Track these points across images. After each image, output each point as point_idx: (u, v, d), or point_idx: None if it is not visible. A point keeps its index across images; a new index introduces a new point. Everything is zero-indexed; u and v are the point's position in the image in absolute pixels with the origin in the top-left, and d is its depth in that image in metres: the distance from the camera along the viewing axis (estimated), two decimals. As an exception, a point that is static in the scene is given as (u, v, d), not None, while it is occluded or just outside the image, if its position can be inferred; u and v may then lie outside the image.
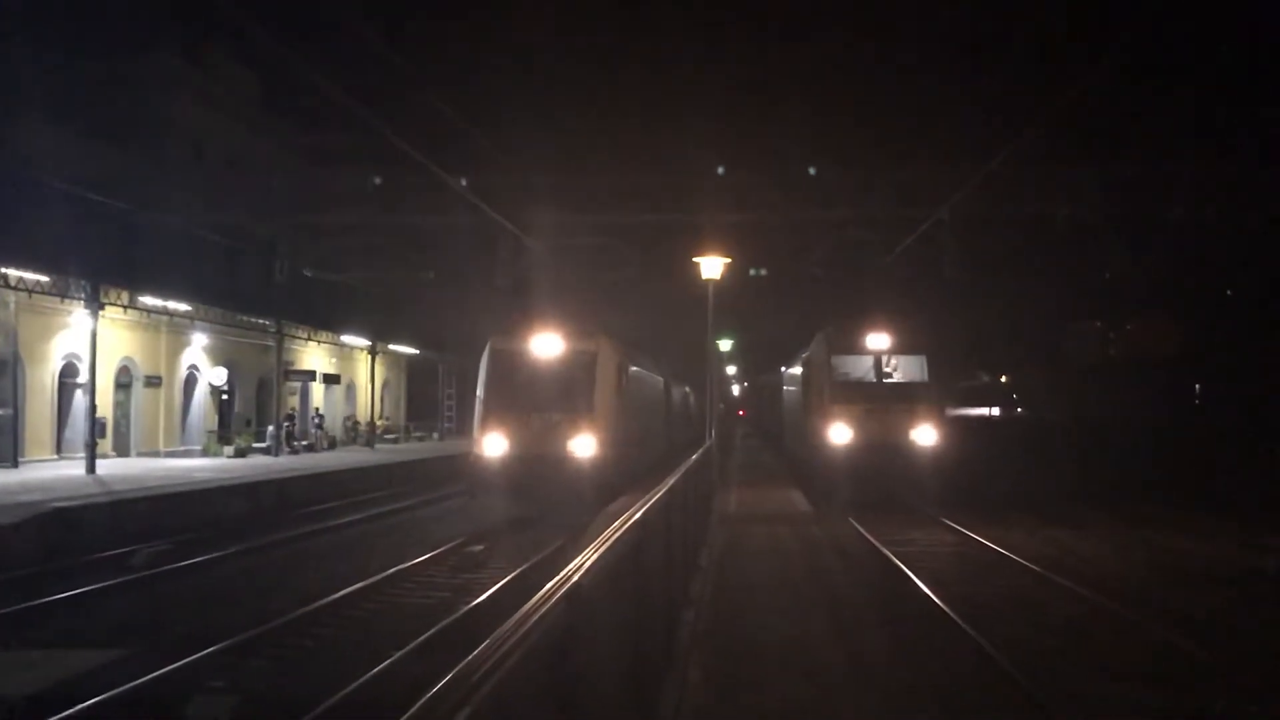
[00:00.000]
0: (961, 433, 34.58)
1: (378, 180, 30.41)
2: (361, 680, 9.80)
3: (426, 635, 11.58)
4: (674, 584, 8.77)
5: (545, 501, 20.95)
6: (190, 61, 38.40)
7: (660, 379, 33.06)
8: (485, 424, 21.54)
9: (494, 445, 21.21)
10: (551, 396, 21.40)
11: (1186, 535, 18.39)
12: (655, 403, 31.51)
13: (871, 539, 17.24)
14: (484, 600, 13.64)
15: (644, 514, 5.93)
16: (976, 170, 22.20)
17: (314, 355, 44.65)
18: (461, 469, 25.03)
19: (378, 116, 19.27)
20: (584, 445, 21.06)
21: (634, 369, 25.87)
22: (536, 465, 20.82)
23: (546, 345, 21.86)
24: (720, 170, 29.65)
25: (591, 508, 19.52)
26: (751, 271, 33.40)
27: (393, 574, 15.68)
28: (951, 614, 11.01)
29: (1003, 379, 64.04)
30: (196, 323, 35.06)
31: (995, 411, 58.81)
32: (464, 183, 25.72)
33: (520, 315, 23.27)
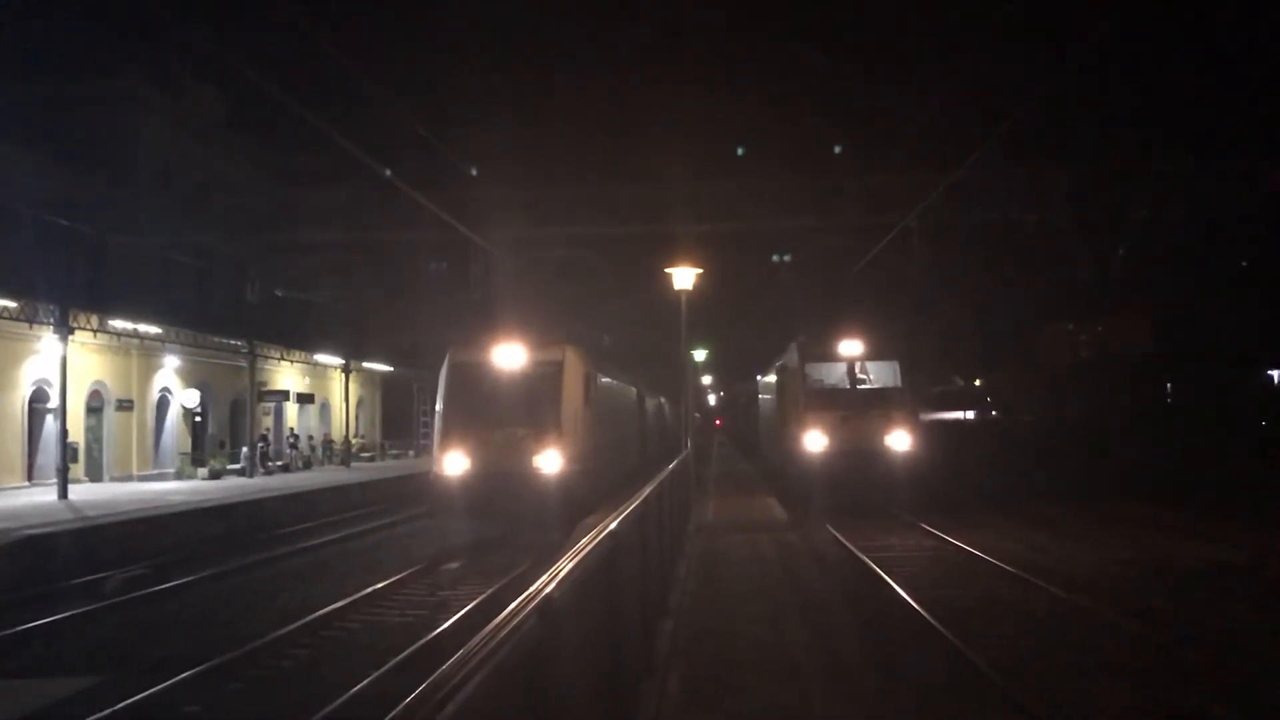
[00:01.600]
0: (936, 437, 34.78)
1: (343, 200, 30.34)
2: (340, 700, 9.76)
3: (405, 653, 11.54)
4: (651, 594, 8.78)
5: (510, 521, 20.01)
6: (158, 84, 38.20)
7: (633, 389, 32.25)
8: (445, 441, 20.38)
9: (454, 463, 20.05)
10: (514, 410, 20.31)
11: (1158, 532, 18.61)
12: (627, 414, 30.64)
13: (849, 545, 17.31)
14: (461, 617, 13.59)
15: (616, 526, 5.94)
16: (943, 177, 22.39)
17: (287, 375, 44.39)
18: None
19: (346, 135, 19.26)
20: (550, 461, 19.94)
21: (603, 379, 24.84)
22: (500, 483, 19.64)
23: (509, 356, 20.85)
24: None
25: (560, 525, 18.95)
26: (776, 257, 33.14)
27: (370, 593, 15.59)
28: (928, 617, 11.07)
29: (976, 382, 64.40)
30: (168, 345, 34.80)
31: (970, 415, 59.14)
32: (433, 200, 25.62)
33: (481, 325, 22.45)
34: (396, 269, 38.26)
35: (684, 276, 21.68)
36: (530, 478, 19.77)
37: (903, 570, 14.82)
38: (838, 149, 29.38)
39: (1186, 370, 36.54)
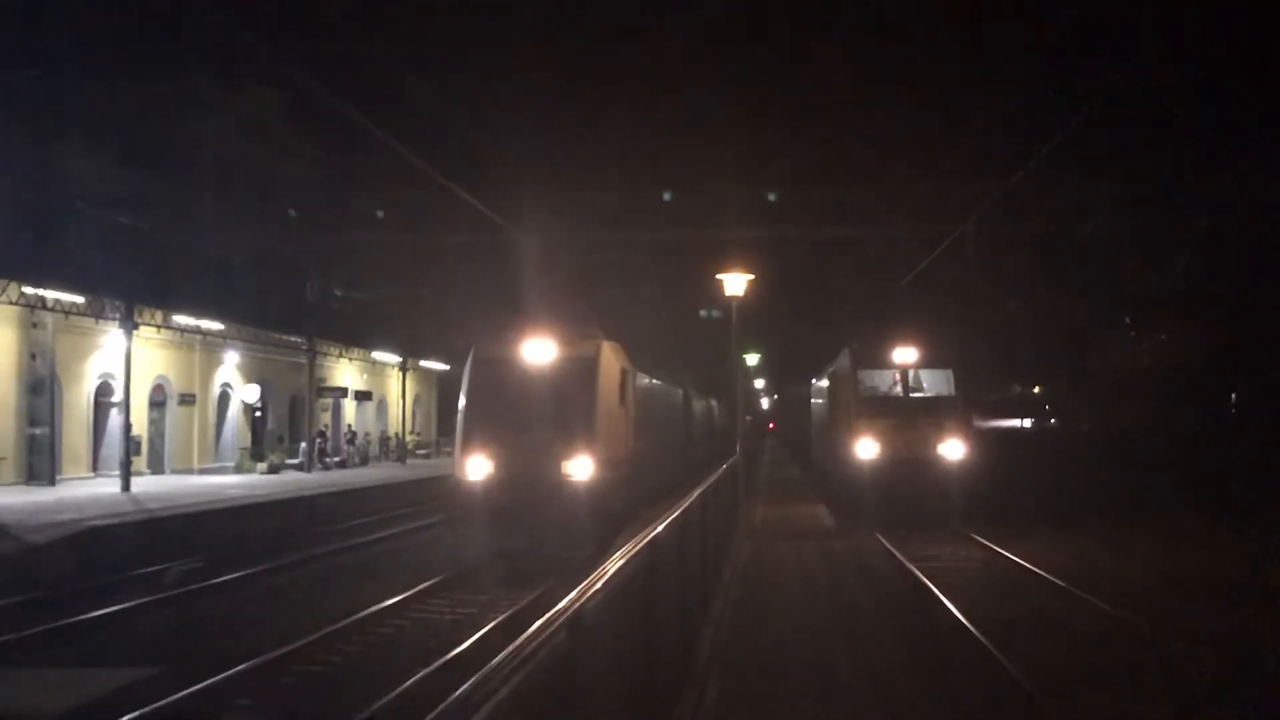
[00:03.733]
0: (992, 446, 34.38)
1: (380, 213, 30.72)
2: (387, 699, 9.92)
3: (454, 652, 11.68)
4: (691, 603, 8.85)
5: (534, 535, 17.77)
6: (221, 84, 38.91)
7: (679, 390, 30.54)
8: (466, 443, 18.64)
9: (476, 468, 18.26)
10: (542, 411, 18.35)
11: (1216, 550, 18.23)
12: (671, 417, 28.68)
13: (898, 555, 17.20)
14: (508, 616, 13.71)
15: (656, 536, 6.01)
16: (997, 185, 22.19)
17: (346, 372, 45.08)
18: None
19: (400, 137, 19.51)
20: (580, 467, 18.00)
21: (643, 378, 23.04)
22: (524, 492, 17.75)
23: (537, 351, 18.98)
24: (771, 197, 29.46)
25: (589, 540, 17.29)
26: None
27: (421, 590, 15.77)
28: (974, 630, 10.99)
29: (1035, 390, 63.52)
30: (229, 341, 35.56)
31: (1027, 423, 58.34)
32: (485, 203, 25.81)
33: (510, 316, 20.65)
34: (451, 270, 38.64)
35: (735, 283, 21.67)
36: (558, 486, 17.92)
37: (950, 581, 14.70)
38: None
39: (1251, 381, 35.76)
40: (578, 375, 18.83)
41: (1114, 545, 18.96)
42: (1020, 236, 29.51)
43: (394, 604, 14.80)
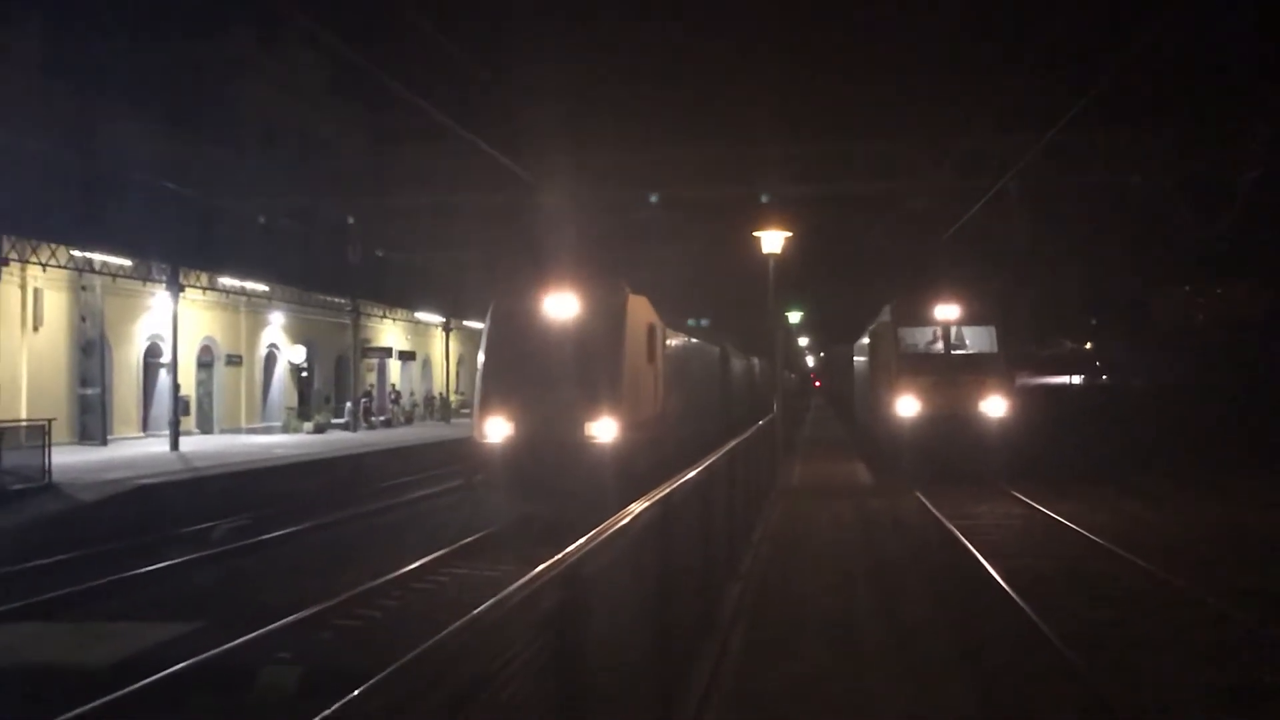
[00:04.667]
0: (1039, 401, 34.03)
1: (438, 162, 30.64)
2: (416, 651, 10.07)
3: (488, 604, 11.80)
4: (717, 558, 8.88)
5: (555, 500, 16.55)
6: (262, 47, 39.14)
7: (716, 348, 29.20)
8: (485, 404, 17.73)
9: (495, 430, 17.37)
10: (565, 368, 17.36)
11: (1266, 507, 17.93)
12: (708, 375, 27.51)
13: (935, 512, 17.11)
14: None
15: (671, 493, 6.02)
16: (1041, 137, 21.72)
17: (390, 332, 45.49)
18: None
19: (436, 98, 19.49)
20: (605, 428, 17.02)
21: (675, 334, 22.03)
22: (545, 454, 16.88)
23: (559, 305, 17.93)
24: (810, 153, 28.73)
25: (615, 506, 16.55)
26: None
27: (461, 546, 15.95)
28: (1005, 586, 10.92)
29: (1087, 346, 62.74)
30: (274, 302, 36.01)
31: (1077, 380, 57.67)
32: (520, 162, 25.74)
33: (531, 268, 19.66)
34: (493, 230, 38.73)
35: (773, 240, 21.50)
36: (581, 448, 16.99)
37: (987, 538, 14.61)
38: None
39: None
40: (602, 330, 17.80)
41: (1164, 503, 18.70)
42: (1067, 189, 28.95)
43: (433, 560, 15.00)
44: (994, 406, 22.28)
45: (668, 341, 20.71)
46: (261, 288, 33.35)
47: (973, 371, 22.78)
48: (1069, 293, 44.69)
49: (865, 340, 30.61)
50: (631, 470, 16.41)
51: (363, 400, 39.40)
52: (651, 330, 19.11)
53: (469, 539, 16.35)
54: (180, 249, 27.93)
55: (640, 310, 18.69)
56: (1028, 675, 8.16)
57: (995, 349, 23.23)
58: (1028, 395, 29.72)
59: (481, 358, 18.56)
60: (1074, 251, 37.03)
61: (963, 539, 14.29)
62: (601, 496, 15.22)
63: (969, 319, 23.35)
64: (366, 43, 17.12)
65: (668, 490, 6.09)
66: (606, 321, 17.85)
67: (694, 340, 25.00)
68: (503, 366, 17.88)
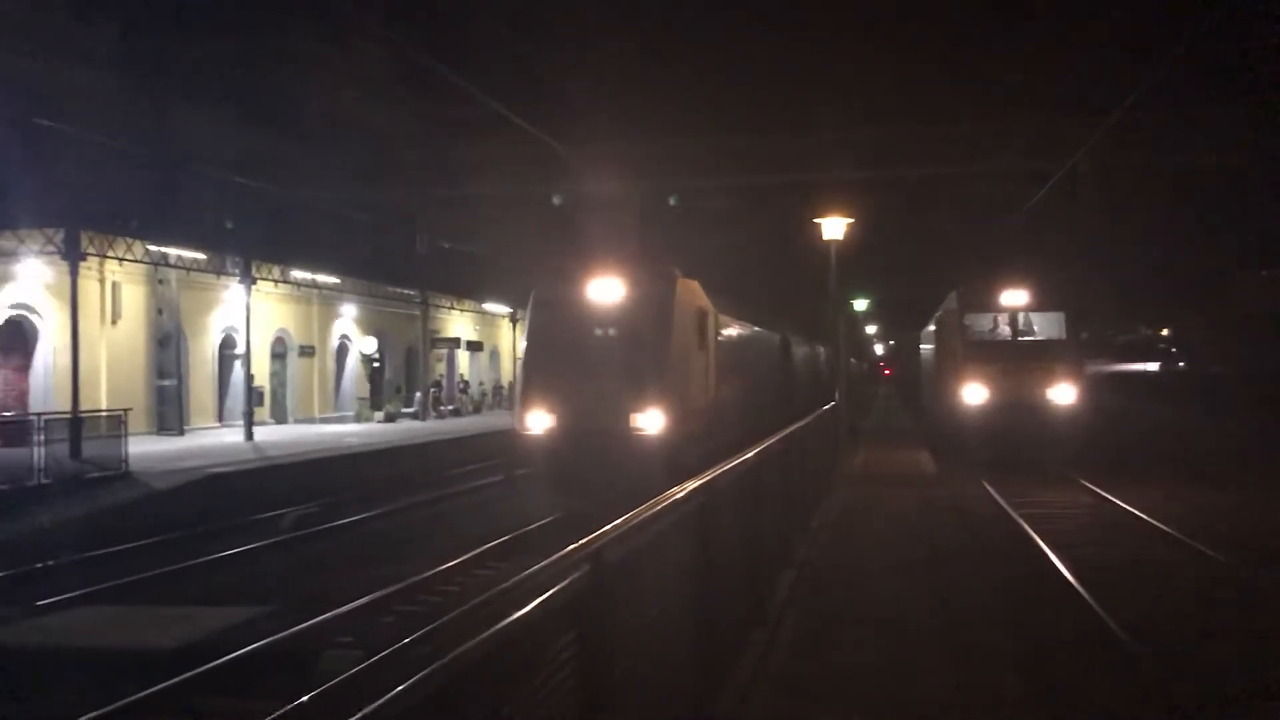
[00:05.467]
0: (1112, 389, 33.39)
1: (504, 153, 30.80)
2: (481, 637, 10.19)
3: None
4: (769, 547, 8.86)
5: (600, 494, 14.95)
6: (329, 42, 39.63)
7: (776, 335, 28.25)
8: (527, 394, 17.10)
9: (537, 421, 16.72)
10: (610, 357, 16.69)
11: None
12: (766, 363, 26.48)
13: (1001, 501, 16.88)
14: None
15: (715, 480, 6.03)
16: (1108, 118, 21.22)
17: (458, 323, 45.99)
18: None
19: (500, 94, 19.63)
20: (652, 419, 16.22)
21: (729, 320, 21.19)
22: (590, 446, 16.16)
23: (603, 290, 17.12)
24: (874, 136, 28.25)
25: None
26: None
27: (523, 533, 16.07)
28: (1069, 577, 10.74)
29: (1163, 332, 61.28)
30: (345, 294, 36.62)
31: (1153, 366, 56.39)
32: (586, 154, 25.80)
33: (574, 253, 19.13)
34: (556, 220, 38.93)
35: (834, 226, 21.31)
36: (626, 440, 16.20)
37: (1052, 528, 14.35)
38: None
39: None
40: (650, 316, 16.96)
41: (1242, 493, 18.15)
42: (1138, 169, 28.24)
43: (495, 547, 15.16)
44: (1063, 394, 21.90)
45: (722, 328, 20.00)
46: (333, 280, 33.93)
47: (1041, 359, 22.39)
48: (1142, 277, 43.59)
49: (931, 327, 30.25)
50: (681, 462, 15.11)
51: (432, 390, 39.92)
52: (702, 315, 18.29)
53: (531, 526, 16.47)
54: (253, 242, 28.53)
55: (690, 295, 17.90)
56: (1089, 666, 8.04)
57: (1064, 335, 22.82)
58: (1100, 382, 29.12)
59: (523, 346, 17.96)
60: (1146, 234, 36.10)
61: (1027, 528, 14.08)
62: (649, 491, 14.38)
63: (1037, 305, 22.95)
64: (431, 37, 17.31)
65: (712, 475, 6.10)
66: (654, 307, 17.05)
67: (749, 325, 24.15)
68: (545, 355, 17.28)
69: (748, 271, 36.38)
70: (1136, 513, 15.53)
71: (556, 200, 29.79)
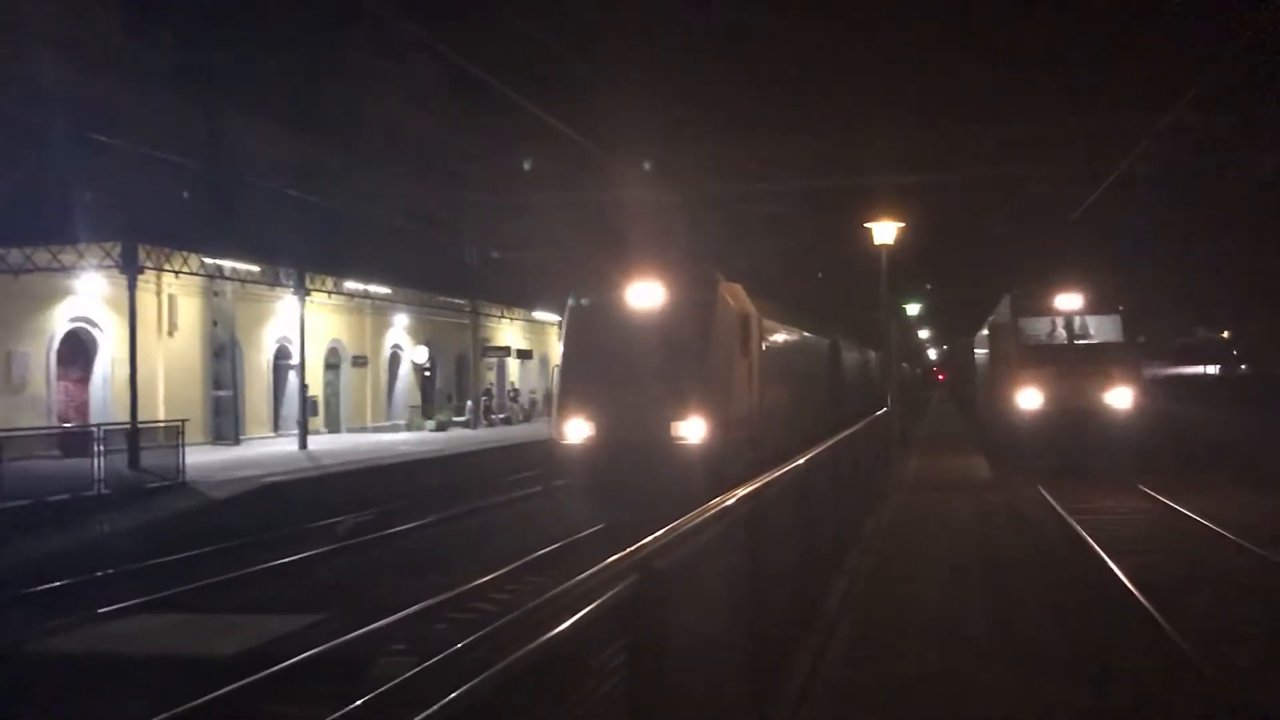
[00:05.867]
0: (1172, 393, 32.80)
1: (526, 165, 30.94)
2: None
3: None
4: (821, 554, 8.79)
5: (641, 504, 14.02)
6: (379, 54, 40.09)
7: (825, 340, 27.60)
8: (564, 403, 16.69)
9: (575, 430, 16.28)
10: (649, 364, 15.97)
11: None
12: (814, 369, 25.64)
13: (1057, 507, 16.63)
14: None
15: (763, 488, 5.98)
16: (1166, 116, 20.84)
17: (508, 331, 46.23)
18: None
19: (547, 103, 19.70)
20: (693, 428, 15.66)
21: (775, 324, 20.60)
22: (629, 455, 15.57)
23: (644, 295, 16.65)
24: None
25: None
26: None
27: (574, 541, 16.06)
28: (1129, 585, 10.56)
29: (1225, 334, 60.09)
30: (397, 305, 36.96)
31: (1213, 369, 55.31)
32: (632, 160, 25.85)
33: (612, 258, 18.65)
34: (607, 228, 39.04)
35: (885, 231, 21.15)
36: (666, 450, 15.61)
37: (1110, 534, 14.12)
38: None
39: None
40: (690, 321, 16.45)
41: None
42: (1200, 169, 27.71)
43: (545, 555, 15.18)
44: (1120, 398, 21.57)
45: (767, 333, 19.48)
46: (385, 290, 34.25)
47: (1097, 362, 22.07)
48: (1203, 278, 42.78)
49: (985, 332, 29.92)
50: (724, 473, 14.42)
51: (483, 398, 40.14)
52: (745, 320, 17.58)
53: (582, 534, 16.46)
54: (306, 254, 28.88)
55: (734, 299, 17.30)
56: (1149, 676, 7.88)
57: (1121, 338, 22.47)
58: (1158, 386, 28.62)
59: (560, 353, 17.44)
60: (1206, 234, 35.41)
61: (1085, 535, 13.86)
62: (690, 502, 13.65)
63: (1093, 307, 22.63)
64: (479, 48, 17.44)
65: (761, 483, 6.05)
66: (696, 311, 16.55)
67: (796, 330, 23.51)
68: (583, 362, 16.81)
69: (798, 277, 36.23)
70: (1199, 519, 15.23)
71: (602, 202, 29.75)
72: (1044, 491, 18.29)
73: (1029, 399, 22.07)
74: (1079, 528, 14.40)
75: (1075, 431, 21.27)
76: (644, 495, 14.35)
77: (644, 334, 16.29)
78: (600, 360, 16.45)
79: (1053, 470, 20.44)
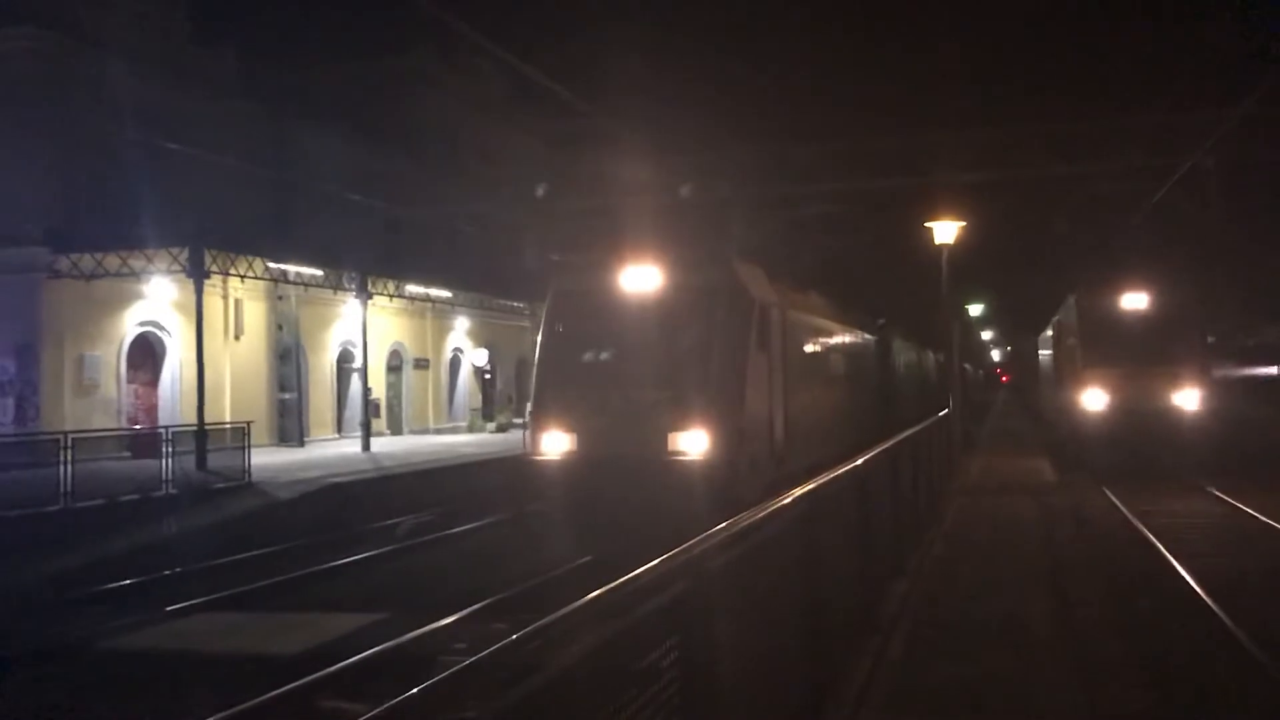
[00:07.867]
0: (1241, 393, 32.05)
1: (541, 189, 31.06)
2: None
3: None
4: (882, 555, 8.72)
5: (630, 531, 11.61)
6: (439, 60, 40.52)
7: (870, 338, 25.02)
8: (541, 411, 14.12)
9: (553, 443, 13.71)
10: (645, 364, 13.52)
11: None
12: (856, 370, 22.97)
13: (1123, 510, 16.30)
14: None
15: (818, 488, 5.95)
16: (1235, 110, 20.33)
17: (567, 333, 46.42)
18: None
19: (604, 107, 19.75)
20: (695, 441, 13.03)
21: (807, 317, 17.85)
22: (618, 473, 12.96)
23: (638, 281, 13.93)
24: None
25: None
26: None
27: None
28: (1197, 588, 10.30)
29: (1298, 333, 58.44)
30: (458, 308, 37.30)
31: (1288, 369, 53.78)
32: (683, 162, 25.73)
33: (603, 242, 16.30)
34: (662, 230, 39.03)
35: (945, 230, 20.91)
36: (664, 467, 13.02)
37: (1178, 537, 13.78)
38: None
39: None
40: (695, 313, 13.82)
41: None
42: (1271, 164, 27.00)
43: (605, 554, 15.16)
44: (1188, 399, 21.10)
45: (797, 327, 16.96)
46: (445, 294, 34.59)
47: (1165, 362, 21.60)
48: (1273, 277, 41.66)
49: (1049, 332, 29.47)
50: (734, 494, 12.41)
51: (542, 400, 40.31)
52: (765, 310, 14.75)
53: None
54: (368, 258, 29.27)
55: (747, 286, 14.48)
56: (1217, 681, 7.69)
57: (1189, 338, 21.98)
58: (1229, 387, 27.98)
59: (539, 353, 14.83)
60: (1276, 231, 34.47)
61: (1151, 538, 13.57)
62: (692, 529, 12.07)
63: (1160, 306, 22.15)
64: (537, 52, 17.57)
65: (816, 484, 6.02)
66: (703, 299, 13.87)
67: (834, 323, 20.94)
68: (563, 364, 14.34)
69: (856, 276, 35.92)
70: (1271, 522, 14.84)
71: (683, 193, 29.63)
72: (1110, 494, 17.94)
73: (1094, 400, 21.69)
74: (1146, 531, 14.10)
75: (1142, 433, 20.85)
76: (632, 524, 11.97)
77: (639, 326, 13.79)
78: (585, 361, 14.22)
79: (1119, 472, 20.05)
